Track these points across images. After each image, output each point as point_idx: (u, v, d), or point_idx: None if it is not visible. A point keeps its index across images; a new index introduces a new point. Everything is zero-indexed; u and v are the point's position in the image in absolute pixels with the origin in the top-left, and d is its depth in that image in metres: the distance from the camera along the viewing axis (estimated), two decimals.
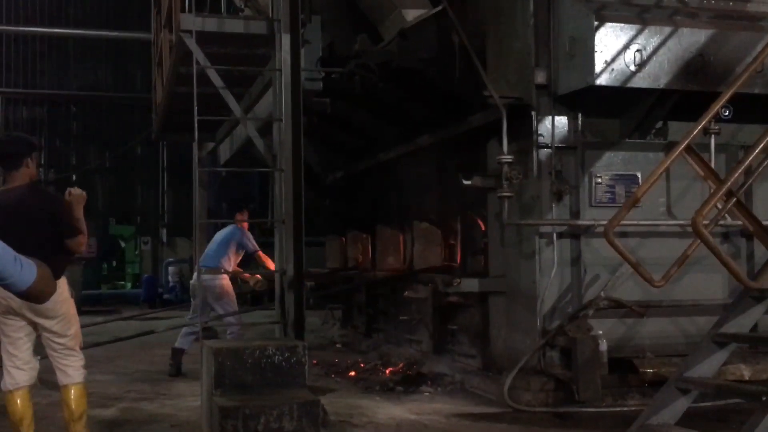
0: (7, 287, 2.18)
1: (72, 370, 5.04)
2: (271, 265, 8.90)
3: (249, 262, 9.69)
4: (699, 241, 4.08)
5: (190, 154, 16.60)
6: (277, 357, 5.29)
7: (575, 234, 6.74)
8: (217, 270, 8.42)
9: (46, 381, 8.10)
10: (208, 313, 8.38)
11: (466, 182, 6.96)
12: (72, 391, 5.03)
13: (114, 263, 22.26)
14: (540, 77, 6.60)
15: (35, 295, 2.26)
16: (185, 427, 5.84)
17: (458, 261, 8.23)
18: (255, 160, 10.59)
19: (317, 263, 12.03)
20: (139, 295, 19.46)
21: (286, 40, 6.15)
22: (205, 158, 12.38)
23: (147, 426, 5.96)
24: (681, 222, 6.67)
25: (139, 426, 5.96)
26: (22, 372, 5.01)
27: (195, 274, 8.44)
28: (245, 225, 9.08)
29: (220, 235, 8.93)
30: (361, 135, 10.06)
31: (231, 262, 8.70)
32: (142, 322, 12.39)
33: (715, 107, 4.45)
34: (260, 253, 8.82)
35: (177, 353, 8.29)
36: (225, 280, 8.47)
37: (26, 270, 2.15)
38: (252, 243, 8.85)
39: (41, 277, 2.19)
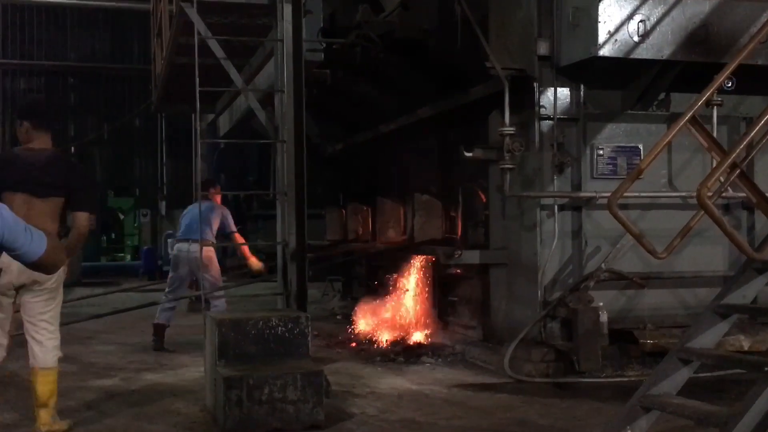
0: (18, 258, 2.19)
1: (44, 352, 4.77)
2: (247, 251, 8.71)
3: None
4: (703, 212, 4.07)
5: (189, 125, 16.58)
6: (280, 328, 5.30)
7: (576, 206, 6.75)
8: (206, 242, 8.03)
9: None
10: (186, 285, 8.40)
11: (467, 154, 6.95)
12: (39, 375, 4.76)
13: (113, 235, 22.29)
14: (543, 48, 6.56)
15: (45, 266, 2.26)
16: (189, 397, 5.88)
17: (459, 233, 8.24)
18: (255, 131, 10.57)
19: (317, 235, 12.03)
20: (138, 267, 19.52)
21: (287, 10, 6.09)
22: (204, 130, 12.35)
23: (150, 396, 5.99)
24: (683, 194, 6.68)
25: (142, 396, 6.00)
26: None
27: (177, 245, 8.37)
28: (218, 200, 8.70)
29: (196, 210, 8.29)
30: (361, 107, 10.02)
31: (213, 236, 8.37)
32: (142, 294, 12.43)
33: (720, 79, 4.41)
34: (237, 234, 8.57)
35: (159, 328, 8.19)
36: (211, 252, 8.25)
37: (37, 241, 2.15)
38: (232, 222, 8.50)
39: (52, 248, 2.19)
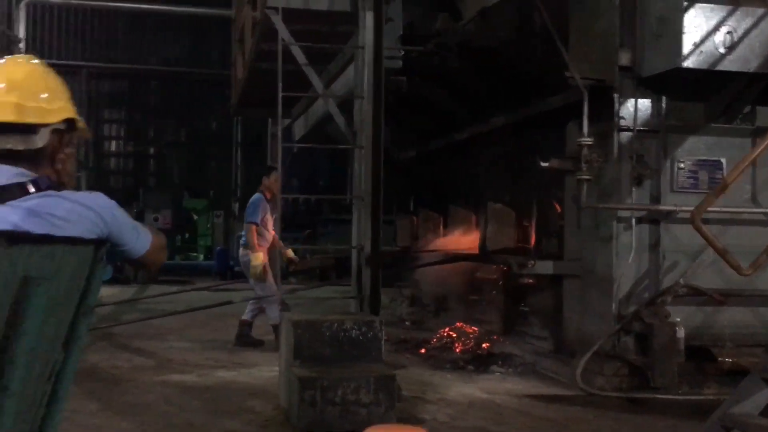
0: (122, 254, 2.23)
1: None
2: (254, 239, 8.24)
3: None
4: None
5: (264, 129, 16.89)
6: (354, 331, 5.38)
7: (655, 219, 6.63)
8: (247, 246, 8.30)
9: (128, 346, 8.45)
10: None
11: (543, 164, 6.90)
12: None
13: (187, 235, 22.81)
14: (624, 58, 6.47)
15: (146, 264, 2.31)
16: (262, 395, 6.00)
17: (532, 243, 8.19)
18: (328, 137, 10.70)
19: (387, 241, 12.09)
20: (211, 267, 19.96)
21: (369, 18, 6.18)
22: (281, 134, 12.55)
23: (225, 392, 6.14)
24: (767, 210, 6.51)
25: (218, 392, 6.15)
26: None
27: (241, 250, 8.54)
28: (268, 194, 8.49)
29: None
30: (435, 114, 10.05)
31: (256, 236, 8.26)
32: (214, 293, 12.70)
33: None
34: (253, 225, 8.23)
35: (242, 325, 8.47)
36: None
37: (142, 238, 2.20)
38: (252, 212, 8.28)
39: (155, 246, 2.24)
